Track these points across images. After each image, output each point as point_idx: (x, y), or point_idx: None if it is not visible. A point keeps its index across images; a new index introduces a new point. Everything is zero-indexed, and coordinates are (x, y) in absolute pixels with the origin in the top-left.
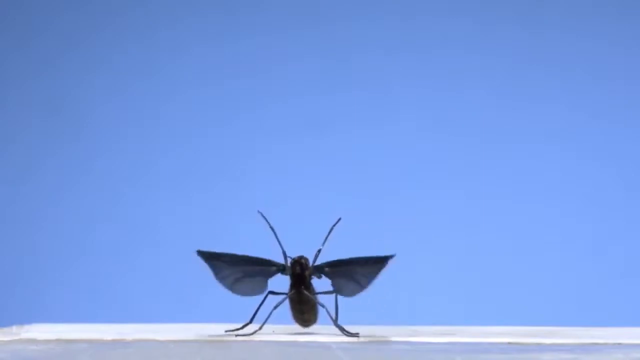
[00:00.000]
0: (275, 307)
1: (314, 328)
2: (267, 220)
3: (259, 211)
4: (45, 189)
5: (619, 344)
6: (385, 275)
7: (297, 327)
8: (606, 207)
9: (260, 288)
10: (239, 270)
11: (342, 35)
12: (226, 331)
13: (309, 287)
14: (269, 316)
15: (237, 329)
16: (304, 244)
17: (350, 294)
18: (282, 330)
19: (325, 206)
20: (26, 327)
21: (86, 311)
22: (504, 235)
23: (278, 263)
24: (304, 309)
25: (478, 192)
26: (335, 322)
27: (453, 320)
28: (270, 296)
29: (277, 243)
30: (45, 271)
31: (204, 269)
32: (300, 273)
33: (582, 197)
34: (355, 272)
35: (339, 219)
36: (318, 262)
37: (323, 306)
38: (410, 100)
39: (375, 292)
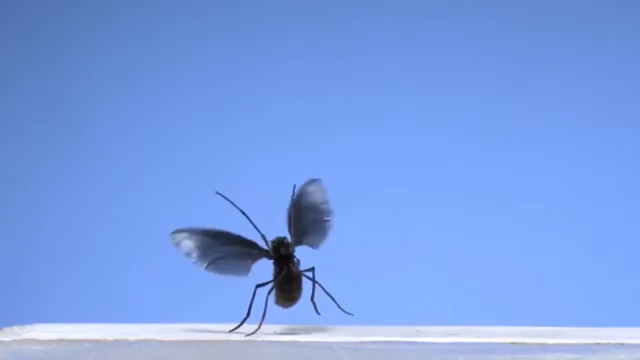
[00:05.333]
0: (268, 293)
1: (314, 328)
2: (235, 205)
3: (218, 192)
4: (45, 188)
5: (622, 344)
6: (388, 275)
7: (298, 327)
8: (607, 207)
9: (244, 271)
10: (220, 249)
11: (342, 35)
12: (230, 331)
13: (294, 264)
14: (266, 306)
15: (237, 327)
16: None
17: (321, 237)
18: (284, 330)
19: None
20: (28, 327)
21: (88, 311)
22: (507, 235)
23: (261, 247)
24: (294, 287)
25: (480, 192)
26: (312, 297)
27: (456, 320)
28: (257, 287)
29: (256, 231)
30: (45, 271)
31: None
32: (287, 253)
33: (583, 197)
34: (311, 220)
35: (294, 186)
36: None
37: (317, 282)
38: (410, 100)
39: (378, 292)
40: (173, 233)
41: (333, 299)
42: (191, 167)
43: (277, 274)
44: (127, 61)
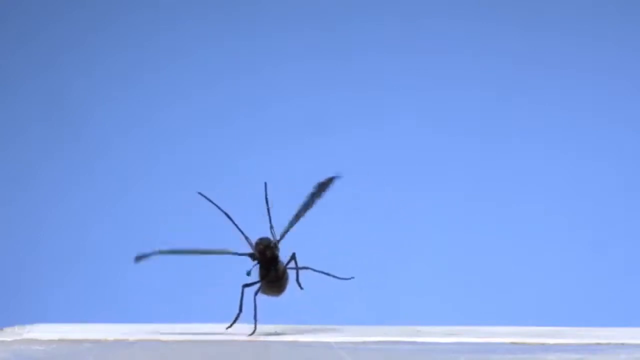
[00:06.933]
0: (255, 294)
1: (314, 328)
2: (218, 207)
3: (199, 193)
4: (45, 188)
5: (622, 344)
6: (388, 275)
7: (298, 327)
8: (607, 207)
9: None
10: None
11: (342, 35)
12: (227, 328)
13: (280, 264)
14: (255, 307)
15: (232, 324)
16: (306, 243)
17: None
18: (284, 330)
19: (324, 206)
20: (28, 327)
21: (88, 311)
22: (507, 235)
23: (243, 253)
24: (281, 283)
25: (480, 192)
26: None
27: (456, 320)
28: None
29: (240, 231)
30: (45, 271)
31: (206, 269)
32: (272, 256)
33: (583, 197)
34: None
35: (265, 183)
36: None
37: (306, 267)
38: (410, 100)
39: (379, 292)
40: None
41: (327, 273)
42: (191, 167)
43: (263, 275)
44: (127, 61)
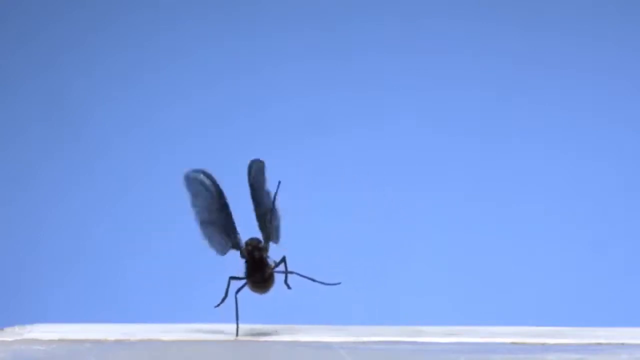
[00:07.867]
0: (237, 292)
1: (314, 328)
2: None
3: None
4: (45, 188)
5: (622, 344)
6: (388, 275)
7: (298, 327)
8: (607, 207)
9: (220, 250)
10: (217, 214)
11: (342, 35)
12: (215, 307)
13: (267, 265)
14: (237, 309)
15: (219, 304)
16: (306, 243)
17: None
18: (284, 330)
19: (325, 206)
20: (29, 327)
21: (88, 311)
22: (507, 235)
23: (237, 241)
24: (267, 284)
25: (480, 192)
26: (289, 278)
27: (457, 320)
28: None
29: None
30: (45, 271)
31: (206, 269)
32: (260, 257)
33: (583, 197)
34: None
35: (279, 182)
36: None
37: (293, 272)
38: (410, 100)
39: (379, 292)
40: (194, 172)
41: (313, 279)
42: (191, 167)
43: (248, 274)
44: (127, 61)
